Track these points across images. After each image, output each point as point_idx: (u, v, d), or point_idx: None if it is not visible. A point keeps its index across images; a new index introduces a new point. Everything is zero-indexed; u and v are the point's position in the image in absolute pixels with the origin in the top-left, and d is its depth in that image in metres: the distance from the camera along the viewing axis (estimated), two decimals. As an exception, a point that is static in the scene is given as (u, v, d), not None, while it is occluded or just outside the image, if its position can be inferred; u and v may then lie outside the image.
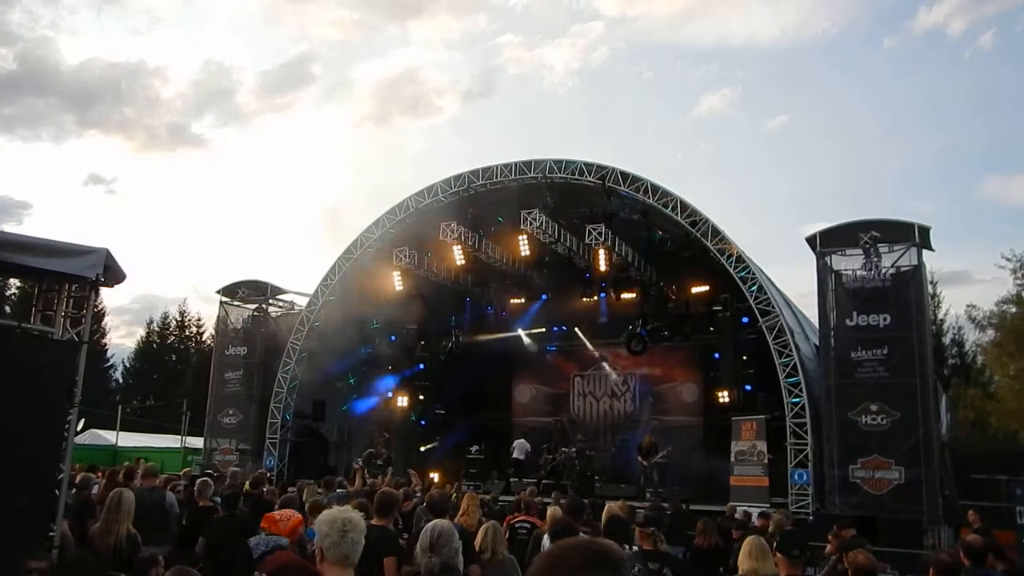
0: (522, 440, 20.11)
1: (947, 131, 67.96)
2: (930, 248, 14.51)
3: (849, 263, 14.66)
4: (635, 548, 5.28)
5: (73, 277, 5.52)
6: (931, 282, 30.81)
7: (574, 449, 19.43)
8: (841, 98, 72.68)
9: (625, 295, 19.29)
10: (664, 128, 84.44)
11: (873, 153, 73.72)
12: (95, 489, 9.00)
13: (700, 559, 7.29)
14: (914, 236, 14.27)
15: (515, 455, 19.67)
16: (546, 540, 6.32)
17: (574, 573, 1.64)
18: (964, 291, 64.44)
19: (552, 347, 22.88)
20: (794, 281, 39.56)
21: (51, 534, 5.15)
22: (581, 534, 5.30)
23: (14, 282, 31.62)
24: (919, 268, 14.27)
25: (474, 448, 20.51)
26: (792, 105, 78.86)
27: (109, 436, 29.96)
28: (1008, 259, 25.71)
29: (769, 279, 17.08)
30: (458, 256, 18.29)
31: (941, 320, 33.93)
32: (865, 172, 72.38)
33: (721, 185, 73.79)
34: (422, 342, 22.35)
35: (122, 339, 75.16)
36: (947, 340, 34.32)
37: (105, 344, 43.42)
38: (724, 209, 76.47)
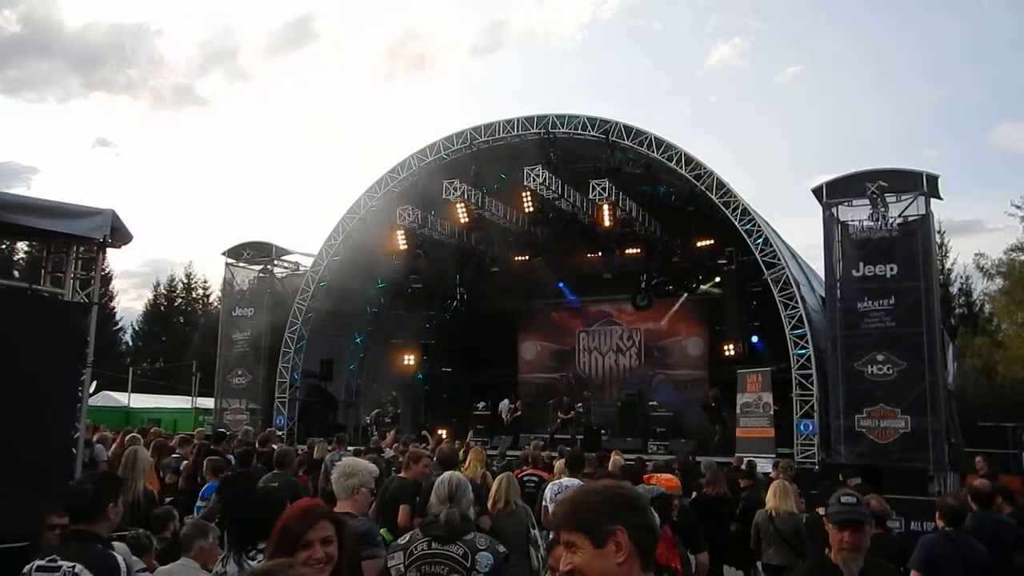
0: (506, 401, 20.30)
1: (961, 78, 66.81)
2: (938, 197, 14.41)
3: (856, 214, 14.59)
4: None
5: (81, 239, 5.52)
6: (939, 231, 30.63)
7: (580, 404, 19.61)
8: (855, 45, 71.51)
9: (630, 250, 19.22)
10: (675, 81, 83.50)
11: (886, 102, 72.73)
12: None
13: (708, 506, 7.40)
14: (922, 185, 14.16)
15: (502, 415, 19.86)
16: (548, 492, 6.42)
17: (601, 514, 1.66)
18: (976, 240, 64.17)
19: (558, 303, 22.89)
20: (802, 233, 39.52)
21: (71, 491, 5.23)
22: (565, 481, 5.45)
23: (21, 246, 31.68)
24: (927, 217, 14.19)
25: (481, 404, 20.68)
26: (804, 55, 77.65)
27: (121, 398, 30.39)
28: (1018, 207, 25.62)
29: (775, 231, 17.00)
30: (461, 214, 18.20)
31: (949, 269, 33.79)
32: (877, 121, 71.60)
33: (731, 137, 73.18)
34: (427, 300, 22.38)
35: (132, 302, 75.39)
36: (955, 289, 34.20)
37: (114, 307, 43.65)
38: (733, 161, 75.99)
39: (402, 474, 5.92)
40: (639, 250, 19.25)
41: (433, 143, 18.97)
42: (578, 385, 21.93)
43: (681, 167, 16.23)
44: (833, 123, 77.25)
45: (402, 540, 3.15)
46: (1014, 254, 26.25)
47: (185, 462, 8.86)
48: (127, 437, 9.49)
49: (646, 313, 20.79)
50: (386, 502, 5.67)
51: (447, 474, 3.36)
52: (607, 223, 17.35)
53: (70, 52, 69.88)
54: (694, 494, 7.91)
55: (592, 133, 17.07)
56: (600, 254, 19.87)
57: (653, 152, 16.48)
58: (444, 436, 17.71)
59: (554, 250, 21.01)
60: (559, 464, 8.13)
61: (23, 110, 72.36)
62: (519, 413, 20.26)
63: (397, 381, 22.50)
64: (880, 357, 13.86)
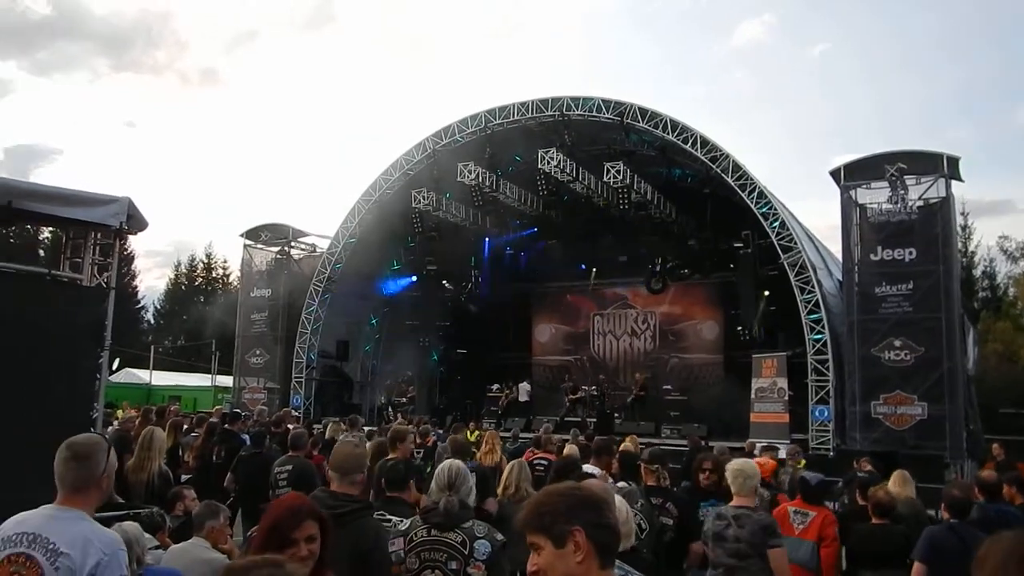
0: (524, 383, 20.42)
1: (994, 55, 64.93)
2: (959, 179, 14.19)
3: (875, 196, 14.42)
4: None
5: (98, 226, 5.60)
6: (962, 213, 30.13)
7: (595, 387, 19.63)
8: (881, 22, 70.05)
9: (644, 233, 19.13)
10: (699, 60, 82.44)
11: (915, 80, 71.04)
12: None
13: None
14: (942, 167, 13.94)
15: (521, 398, 19.99)
16: None
17: (559, 515, 1.71)
18: (1006, 221, 62.64)
19: (572, 285, 22.88)
20: (825, 214, 38.97)
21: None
22: (586, 469, 5.45)
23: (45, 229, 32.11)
24: (947, 200, 13.99)
25: (495, 387, 20.80)
26: (831, 33, 76.24)
27: (143, 375, 30.92)
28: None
29: (792, 214, 16.83)
30: (476, 196, 18.21)
31: (972, 252, 33.00)
32: (907, 100, 70.11)
33: (754, 116, 72.22)
34: (442, 282, 22.48)
35: (157, 280, 76.30)
36: (978, 272, 33.47)
37: (136, 286, 44.34)
38: (755, 141, 74.94)
39: (390, 455, 5.97)
40: (654, 233, 19.15)
41: (448, 126, 18.96)
42: (592, 368, 21.96)
43: (696, 149, 16.10)
44: (859, 102, 75.86)
45: (403, 526, 3.22)
46: (1040, 237, 25.76)
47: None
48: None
49: (661, 296, 20.72)
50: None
51: (447, 462, 3.41)
52: (622, 205, 17.30)
53: (98, 34, 70.52)
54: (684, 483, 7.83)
55: (607, 115, 16.97)
56: (615, 237, 19.81)
57: (668, 134, 16.36)
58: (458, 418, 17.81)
59: (568, 232, 20.98)
60: (568, 448, 8.18)
61: (51, 91, 73.15)
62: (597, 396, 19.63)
63: (412, 363, 22.66)
64: (897, 343, 13.75)
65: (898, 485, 6.22)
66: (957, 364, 13.60)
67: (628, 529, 3.23)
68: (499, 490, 5.57)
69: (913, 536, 4.88)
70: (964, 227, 31.61)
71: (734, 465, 4.60)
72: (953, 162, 14.01)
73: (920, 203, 14.11)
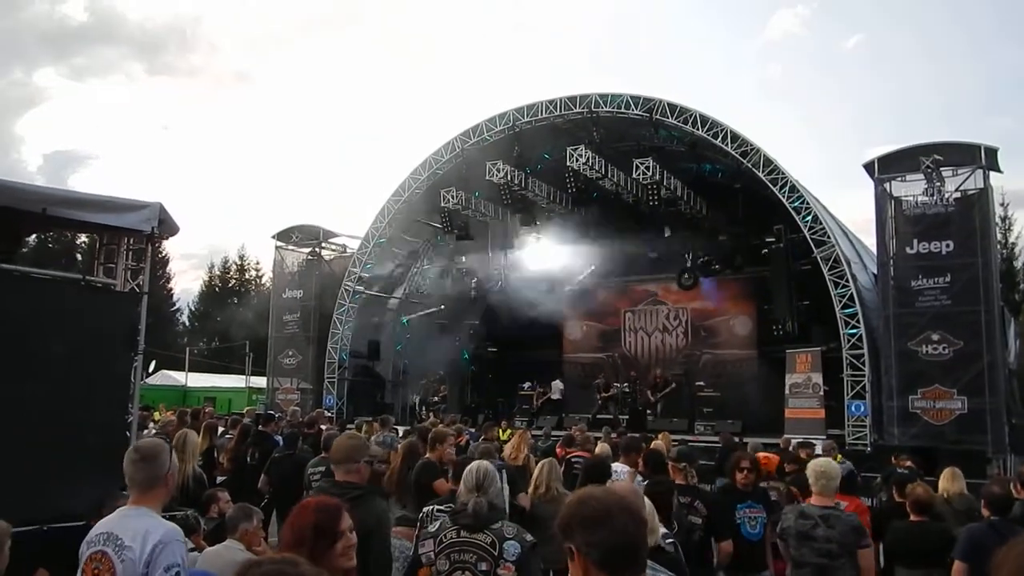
0: (557, 381, 20.36)
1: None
2: (998, 170, 13.91)
3: (910, 189, 14.19)
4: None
5: (130, 231, 5.69)
6: (1002, 204, 29.60)
7: (627, 385, 19.51)
8: (919, 9, 68.48)
9: (674, 229, 18.96)
10: (732, 53, 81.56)
11: (954, 67, 69.29)
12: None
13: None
14: (980, 158, 13.66)
15: (553, 396, 19.92)
16: None
17: (559, 532, 1.77)
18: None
19: (602, 283, 22.75)
20: (863, 208, 38.29)
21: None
22: (616, 467, 5.41)
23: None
24: (985, 191, 13.72)
25: (526, 385, 20.76)
26: (866, 22, 74.81)
27: (179, 377, 31.49)
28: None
29: (825, 208, 16.56)
30: (505, 195, 18.21)
31: (1012, 244, 32.53)
32: (945, 89, 68.54)
33: (785, 110, 71.14)
34: (472, 281, 22.51)
35: (192, 283, 77.70)
36: (1019, 264, 32.89)
37: (171, 289, 45.12)
38: (792, 133, 73.78)
39: (428, 455, 5.98)
40: (684, 229, 18.97)
41: (476, 125, 18.99)
42: (624, 365, 21.81)
43: (727, 144, 15.91)
44: (894, 93, 74.36)
45: (432, 527, 3.23)
46: (1083, 226, 25.03)
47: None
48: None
49: (692, 292, 20.51)
50: (421, 484, 5.75)
51: (475, 463, 3.41)
52: (651, 202, 17.17)
53: (134, 39, 72.17)
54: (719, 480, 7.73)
55: (635, 111, 16.87)
56: (645, 233, 19.67)
57: (698, 129, 16.19)
58: (487, 417, 17.80)
59: (598, 229, 20.86)
60: (601, 447, 8.15)
61: (88, 97, 74.89)
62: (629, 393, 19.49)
63: (443, 361, 22.74)
64: (935, 336, 13.50)
65: (948, 481, 6.17)
66: (997, 357, 13.32)
67: (651, 525, 3.21)
68: (530, 490, 5.56)
69: (955, 534, 4.77)
70: (1004, 218, 31.22)
71: (817, 467, 4.64)
72: (991, 153, 13.70)
73: (957, 195, 13.83)
